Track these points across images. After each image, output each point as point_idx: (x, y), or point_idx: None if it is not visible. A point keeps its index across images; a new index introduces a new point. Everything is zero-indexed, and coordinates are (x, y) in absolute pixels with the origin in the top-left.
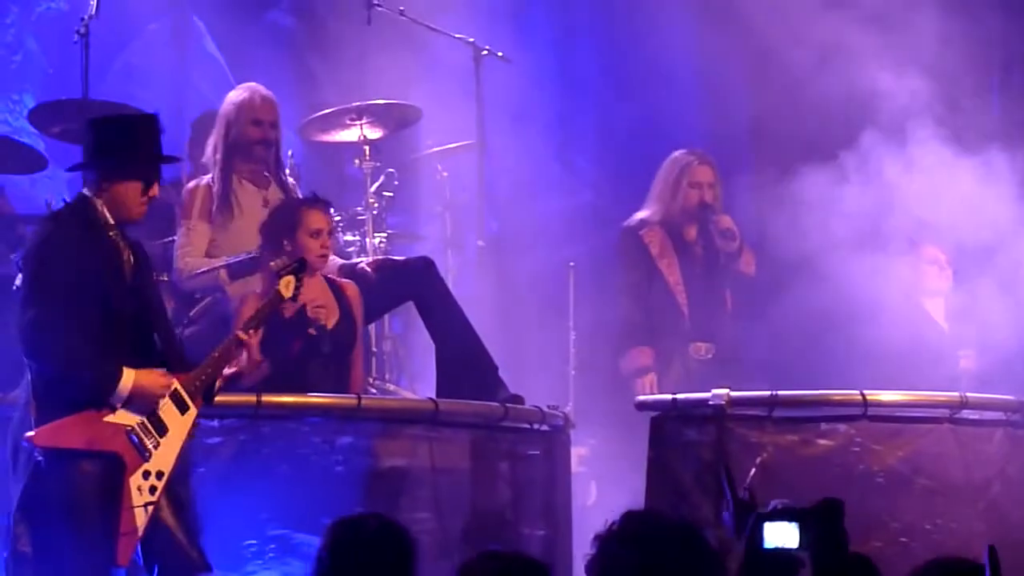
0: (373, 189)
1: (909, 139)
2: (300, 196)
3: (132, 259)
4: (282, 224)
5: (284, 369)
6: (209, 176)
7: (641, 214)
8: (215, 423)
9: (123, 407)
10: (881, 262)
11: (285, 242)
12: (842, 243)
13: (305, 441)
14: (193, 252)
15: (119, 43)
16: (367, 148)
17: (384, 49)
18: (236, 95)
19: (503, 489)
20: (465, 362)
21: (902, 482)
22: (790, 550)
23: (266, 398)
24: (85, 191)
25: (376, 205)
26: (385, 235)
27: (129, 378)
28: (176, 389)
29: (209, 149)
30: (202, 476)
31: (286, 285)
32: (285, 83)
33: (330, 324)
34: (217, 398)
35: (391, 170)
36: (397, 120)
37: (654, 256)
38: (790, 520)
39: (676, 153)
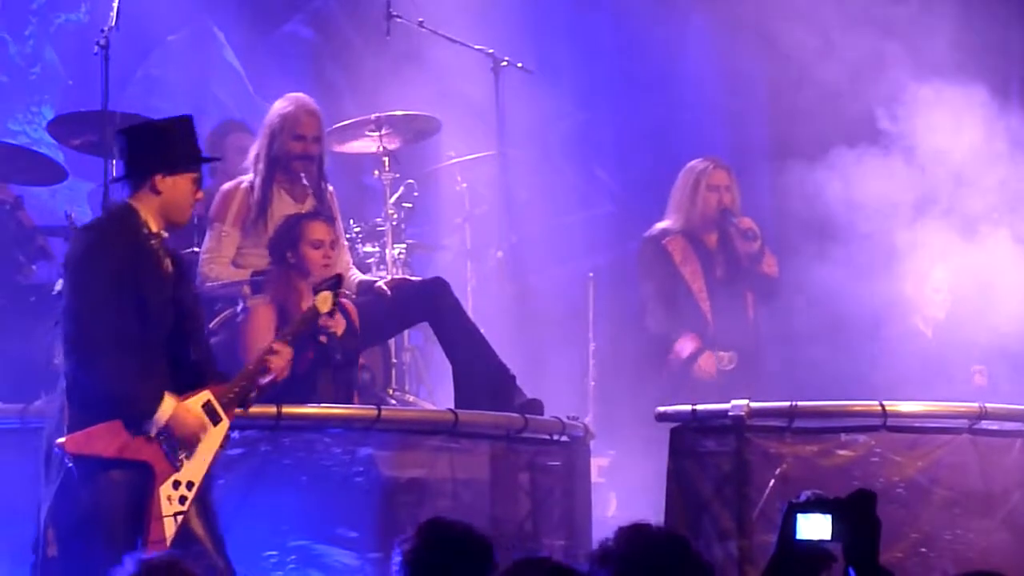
0: (392, 200)
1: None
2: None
3: (172, 268)
4: (285, 237)
5: (295, 378)
6: (248, 181)
7: (662, 224)
8: (236, 434)
9: (155, 434)
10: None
11: (289, 254)
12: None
13: (325, 452)
14: (220, 260)
15: (139, 54)
16: (386, 159)
17: (403, 60)
18: (282, 106)
19: (523, 500)
20: (481, 378)
21: (922, 493)
22: (822, 542)
23: (286, 409)
24: (128, 200)
25: (395, 216)
26: (404, 246)
27: (168, 409)
28: (209, 400)
29: (251, 156)
30: (223, 487)
31: (323, 300)
32: (304, 94)
33: (339, 333)
34: (238, 409)
35: (411, 181)
36: (416, 131)
37: (677, 264)
38: (823, 512)
39: (692, 162)
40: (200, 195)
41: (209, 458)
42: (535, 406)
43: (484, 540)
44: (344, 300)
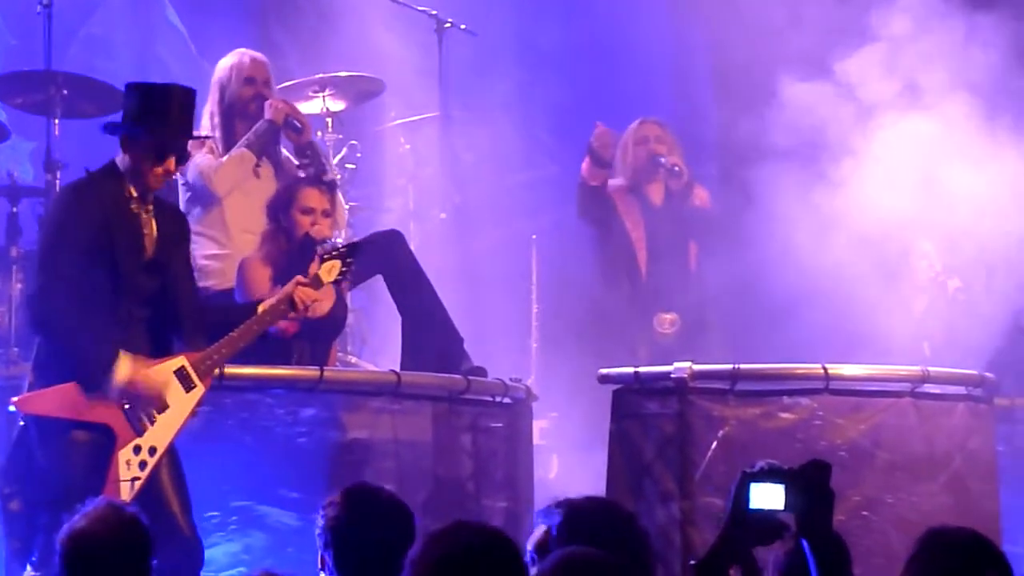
0: (336, 161)
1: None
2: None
3: (157, 232)
4: (279, 201)
5: (272, 347)
6: (209, 142)
7: (612, 181)
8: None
9: (115, 396)
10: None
11: (281, 218)
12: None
13: (268, 413)
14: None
15: (82, 13)
16: (330, 120)
17: (347, 20)
18: (226, 60)
19: (465, 461)
20: (432, 334)
21: (864, 456)
22: (775, 512)
23: (228, 370)
24: (116, 160)
25: (339, 177)
26: (348, 208)
27: (124, 370)
28: (183, 367)
29: (205, 119)
30: None
31: (328, 270)
32: None
33: (325, 309)
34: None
35: (354, 142)
36: (360, 92)
37: (619, 211)
38: (777, 481)
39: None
40: (168, 167)
41: (177, 424)
42: (479, 373)
43: (405, 508)
44: None
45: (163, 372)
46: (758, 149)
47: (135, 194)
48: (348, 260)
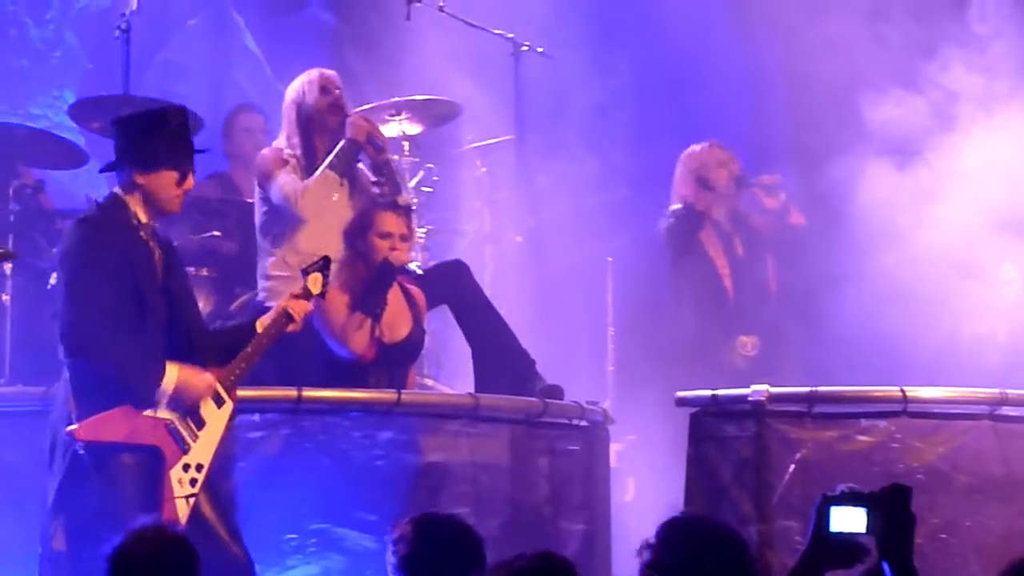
0: (412, 185)
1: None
2: (388, 182)
3: (162, 259)
4: (357, 225)
5: (348, 371)
6: (288, 151)
7: (673, 207)
8: (256, 418)
9: (165, 406)
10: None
11: (358, 243)
12: (884, 243)
13: (346, 436)
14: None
15: (159, 38)
16: (406, 144)
17: (423, 45)
18: (295, 81)
19: (542, 484)
20: (501, 362)
21: (942, 479)
22: (856, 535)
23: (307, 392)
24: (117, 190)
25: (415, 201)
26: (424, 231)
27: (172, 376)
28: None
29: (282, 141)
30: (243, 470)
31: (314, 282)
32: None
33: (403, 335)
34: (257, 392)
35: (430, 165)
36: (436, 116)
37: (701, 236)
38: (858, 505)
39: (687, 149)
40: (188, 185)
41: (216, 440)
42: (555, 391)
43: (473, 533)
44: (415, 291)
45: (200, 373)
46: (834, 168)
47: (144, 220)
48: (326, 272)
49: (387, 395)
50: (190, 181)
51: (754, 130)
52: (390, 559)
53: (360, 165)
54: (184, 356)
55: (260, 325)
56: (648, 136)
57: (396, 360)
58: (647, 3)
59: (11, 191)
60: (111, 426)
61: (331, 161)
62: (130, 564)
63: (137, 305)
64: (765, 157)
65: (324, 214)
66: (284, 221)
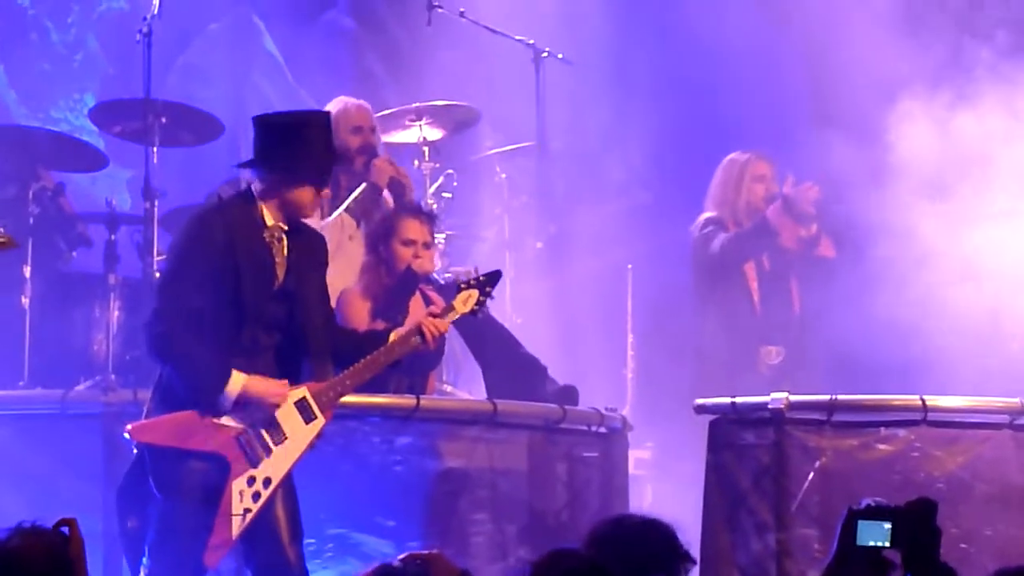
0: (432, 190)
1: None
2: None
3: (287, 258)
4: (379, 231)
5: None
6: None
7: (706, 215)
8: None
9: (232, 413)
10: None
11: (381, 248)
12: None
13: (365, 441)
14: None
15: (180, 42)
16: (426, 149)
17: (444, 50)
18: (330, 108)
19: (560, 491)
20: (511, 375)
21: (962, 488)
22: (883, 548)
23: None
24: (252, 188)
25: (435, 206)
26: (444, 236)
27: (238, 383)
28: (304, 398)
29: None
30: None
31: (464, 300)
32: (344, 83)
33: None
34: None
35: (450, 171)
36: (456, 121)
37: None
38: (884, 519)
39: (731, 155)
40: (327, 193)
41: (295, 456)
42: (569, 392)
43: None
44: (433, 295)
45: (272, 381)
46: (856, 179)
47: (270, 223)
48: (487, 289)
49: (406, 401)
50: (328, 191)
51: (777, 138)
52: None
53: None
54: (300, 358)
55: (395, 335)
56: (669, 142)
57: (415, 367)
58: (668, 8)
59: (31, 194)
60: (169, 430)
61: (349, 205)
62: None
63: (236, 308)
64: (788, 164)
65: (337, 253)
66: None
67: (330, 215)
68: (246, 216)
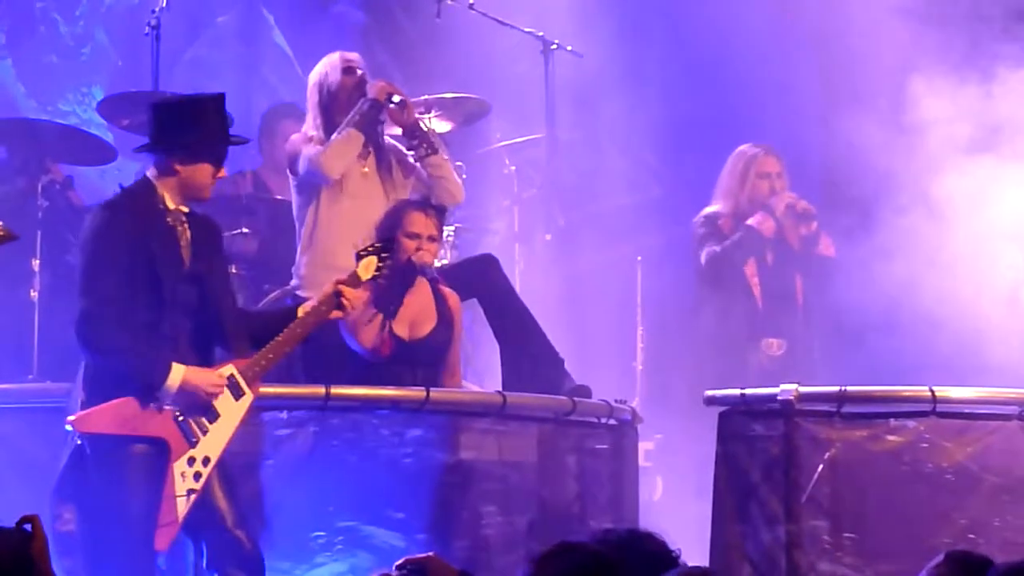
0: (438, 142)
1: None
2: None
3: (191, 242)
4: (386, 223)
5: (375, 370)
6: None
7: (710, 208)
8: (284, 415)
9: (170, 404)
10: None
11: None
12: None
13: (374, 433)
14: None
15: (188, 35)
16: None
17: (453, 43)
18: (319, 65)
19: (570, 483)
20: (530, 359)
21: (971, 479)
22: None
23: (335, 390)
24: (149, 174)
25: (459, 164)
26: (453, 229)
27: (178, 375)
28: (232, 375)
29: (309, 125)
30: (271, 468)
31: (365, 267)
32: None
33: (424, 333)
34: (285, 389)
35: (459, 164)
36: (466, 114)
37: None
38: None
39: (741, 147)
40: (221, 173)
41: (229, 433)
42: (583, 392)
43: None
44: (449, 293)
45: (210, 372)
46: (865, 172)
47: (171, 206)
48: (384, 256)
49: (415, 393)
50: (223, 171)
51: (787, 132)
52: None
53: (391, 141)
54: (213, 342)
55: (302, 311)
56: (678, 135)
57: (418, 358)
58: (679, 2)
59: (40, 187)
60: (111, 418)
61: (351, 119)
62: None
63: (154, 293)
64: (797, 159)
65: (352, 193)
66: (316, 192)
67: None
68: (148, 201)
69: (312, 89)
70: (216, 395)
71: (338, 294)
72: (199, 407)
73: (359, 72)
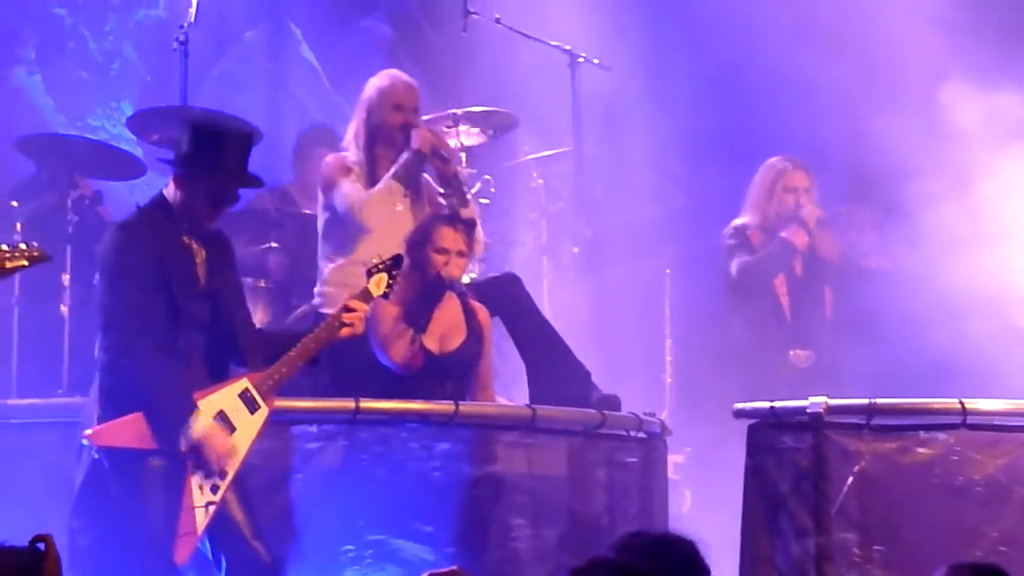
0: (470, 196)
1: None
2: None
3: (206, 259)
4: (415, 238)
5: (406, 383)
6: (349, 159)
7: (739, 220)
8: (313, 428)
9: (185, 449)
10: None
11: (416, 256)
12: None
13: (403, 447)
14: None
15: (216, 50)
16: (464, 155)
17: (479, 56)
18: (378, 81)
19: (599, 496)
20: (556, 376)
21: (1002, 491)
22: None
23: (364, 404)
24: (164, 191)
25: (480, 205)
26: (482, 242)
27: (202, 427)
28: (247, 389)
29: (350, 134)
30: (300, 481)
31: (376, 283)
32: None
33: (454, 346)
34: (315, 403)
35: (487, 177)
36: (493, 127)
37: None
38: None
39: (771, 160)
40: (226, 207)
41: (245, 447)
42: (612, 402)
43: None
44: (478, 307)
45: (229, 397)
46: (892, 178)
47: (186, 224)
48: (394, 272)
49: (444, 406)
50: (225, 206)
51: (812, 141)
52: None
53: (427, 177)
54: (227, 358)
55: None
56: (705, 147)
57: (448, 372)
58: (704, 14)
59: (69, 202)
60: (127, 432)
61: (395, 171)
62: None
63: (171, 310)
64: (823, 166)
65: (388, 224)
66: (346, 228)
67: (375, 185)
68: (165, 221)
69: (361, 105)
70: (224, 468)
71: (348, 309)
72: (205, 464)
73: (410, 111)
